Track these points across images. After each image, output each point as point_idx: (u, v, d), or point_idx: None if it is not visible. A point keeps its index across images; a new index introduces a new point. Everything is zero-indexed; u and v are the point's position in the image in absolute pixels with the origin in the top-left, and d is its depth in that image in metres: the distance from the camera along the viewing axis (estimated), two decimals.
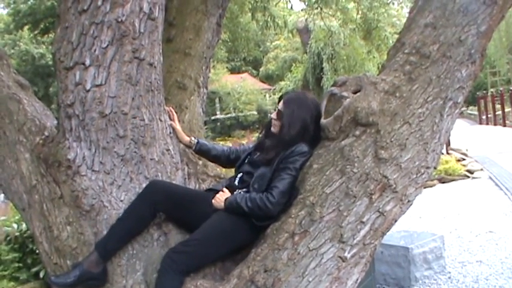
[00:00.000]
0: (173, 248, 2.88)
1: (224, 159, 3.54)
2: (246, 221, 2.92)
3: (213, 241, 2.89)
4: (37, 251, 3.75)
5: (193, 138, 3.51)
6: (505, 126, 23.56)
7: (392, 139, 2.71)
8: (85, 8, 2.89)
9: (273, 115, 3.18)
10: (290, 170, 2.92)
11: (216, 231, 2.93)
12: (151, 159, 3.06)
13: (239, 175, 3.19)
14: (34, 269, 5.23)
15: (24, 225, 5.31)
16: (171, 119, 3.41)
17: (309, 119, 3.04)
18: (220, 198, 3.00)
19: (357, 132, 2.76)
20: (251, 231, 2.95)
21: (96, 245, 2.88)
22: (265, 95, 40.33)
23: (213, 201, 3.02)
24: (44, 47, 28.17)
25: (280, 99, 3.23)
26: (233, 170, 3.39)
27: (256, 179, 3.01)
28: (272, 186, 2.90)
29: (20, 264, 5.33)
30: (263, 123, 3.45)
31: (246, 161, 3.27)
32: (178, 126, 3.44)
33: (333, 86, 3.03)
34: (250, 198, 2.89)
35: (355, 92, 2.84)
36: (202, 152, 3.52)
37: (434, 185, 11.25)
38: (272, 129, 3.19)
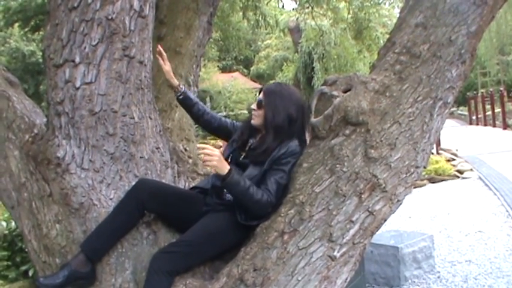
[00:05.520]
0: (162, 249, 2.88)
1: (204, 121, 3.45)
2: (236, 223, 2.91)
3: (202, 243, 2.88)
4: (26, 250, 3.73)
5: (181, 85, 3.43)
6: (494, 126, 23.66)
7: (382, 138, 2.71)
8: (75, 5, 2.89)
9: (253, 105, 3.14)
10: (284, 172, 2.90)
11: (206, 233, 2.91)
12: (140, 157, 3.06)
13: None
14: (23, 268, 5.21)
15: (13, 224, 5.28)
16: (162, 59, 3.35)
17: (292, 108, 3.00)
18: (215, 158, 2.73)
19: (347, 132, 2.76)
20: (241, 232, 2.95)
21: (82, 245, 2.85)
22: (256, 94, 40.20)
23: (204, 157, 2.74)
24: (35, 44, 27.94)
25: (260, 91, 3.18)
26: None
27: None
28: (269, 188, 2.87)
29: (9, 263, 5.29)
30: (243, 123, 3.36)
31: (229, 161, 3.16)
32: (167, 67, 3.36)
33: (323, 85, 3.02)
34: (257, 192, 2.82)
35: (345, 91, 2.84)
36: (185, 103, 3.44)
37: (424, 184, 11.26)
38: (253, 122, 3.13)
